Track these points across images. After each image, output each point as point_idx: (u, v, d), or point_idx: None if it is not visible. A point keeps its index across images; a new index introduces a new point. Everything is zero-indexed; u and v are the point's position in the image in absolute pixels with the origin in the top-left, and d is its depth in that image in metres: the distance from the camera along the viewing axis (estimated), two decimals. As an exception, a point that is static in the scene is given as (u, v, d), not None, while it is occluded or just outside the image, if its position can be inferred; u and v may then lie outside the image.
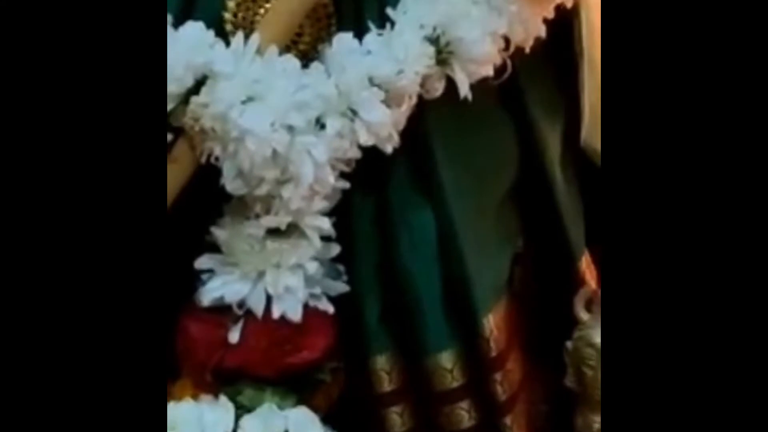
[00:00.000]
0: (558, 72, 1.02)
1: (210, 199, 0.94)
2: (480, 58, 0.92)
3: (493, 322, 0.99)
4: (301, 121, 0.90)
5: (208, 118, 0.89)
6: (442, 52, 0.92)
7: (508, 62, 0.94)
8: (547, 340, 1.04)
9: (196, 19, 0.93)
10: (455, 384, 0.99)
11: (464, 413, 1.00)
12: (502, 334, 1.00)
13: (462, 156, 0.97)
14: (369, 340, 0.99)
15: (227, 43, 0.92)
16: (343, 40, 0.93)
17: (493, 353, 0.99)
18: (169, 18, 0.93)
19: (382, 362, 0.99)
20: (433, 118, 0.95)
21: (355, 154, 0.92)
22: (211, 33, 0.91)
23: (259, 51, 0.91)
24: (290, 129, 0.89)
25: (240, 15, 0.94)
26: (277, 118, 0.89)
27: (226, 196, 0.93)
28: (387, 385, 1.00)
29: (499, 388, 0.99)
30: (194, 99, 0.89)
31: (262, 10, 0.94)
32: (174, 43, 0.90)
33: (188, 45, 0.89)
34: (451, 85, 0.94)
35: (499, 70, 0.94)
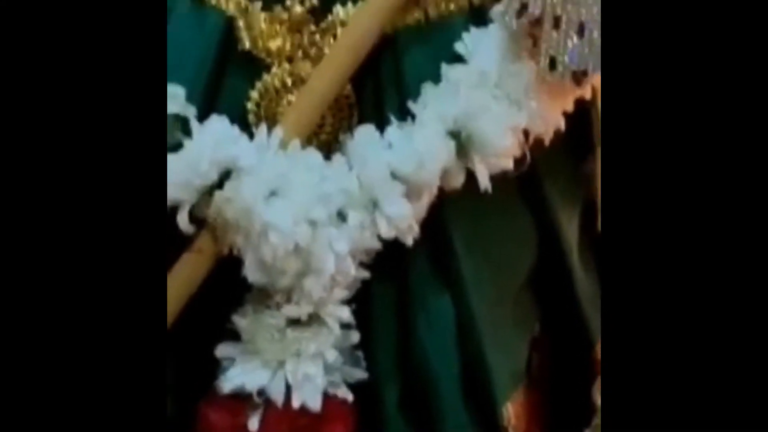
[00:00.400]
0: (574, 159, 1.04)
1: (231, 288, 0.96)
2: (500, 151, 0.93)
3: (512, 411, 0.99)
4: (324, 215, 0.90)
5: (232, 212, 0.90)
6: (463, 146, 0.93)
7: (528, 154, 0.96)
8: (564, 426, 1.04)
9: (219, 109, 0.95)
10: (474, 473, 1.01)
11: (483, 501, 1.01)
12: (521, 422, 1.00)
13: (481, 245, 0.98)
14: (388, 426, 0.99)
15: (250, 135, 0.94)
16: (365, 132, 0.93)
17: (512, 441, 1.00)
18: (193, 110, 0.94)
19: None
20: (452, 208, 0.95)
21: (376, 245, 0.93)
22: (235, 128, 0.92)
23: (282, 144, 0.92)
24: (312, 223, 0.90)
25: (263, 106, 0.95)
26: (299, 213, 0.90)
27: (247, 285, 0.95)
28: (406, 472, 1.01)
29: (517, 477, 1.01)
30: (218, 193, 0.90)
31: (284, 101, 0.95)
32: (199, 137, 0.91)
33: (213, 140, 0.90)
34: (470, 175, 0.95)
35: (519, 161, 0.96)
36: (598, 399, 1.02)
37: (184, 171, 0.90)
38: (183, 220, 0.91)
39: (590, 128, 1.01)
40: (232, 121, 0.94)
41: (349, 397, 0.96)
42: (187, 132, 0.92)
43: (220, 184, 0.90)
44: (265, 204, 0.89)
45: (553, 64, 0.89)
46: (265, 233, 0.89)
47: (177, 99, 0.92)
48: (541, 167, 0.98)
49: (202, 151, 0.89)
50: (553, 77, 0.90)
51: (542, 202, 1.00)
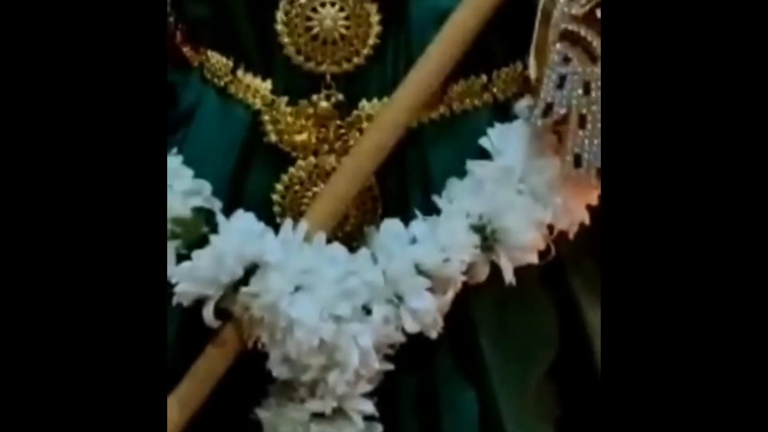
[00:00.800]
0: (598, 248, 1.04)
1: (255, 380, 0.96)
2: (524, 246, 0.93)
3: (536, 503, 1.00)
4: (348, 310, 0.90)
5: (257, 307, 0.90)
6: (488, 240, 0.93)
7: (552, 247, 0.96)
8: None
9: (245, 201, 0.95)
10: None
11: None
12: None
13: (505, 339, 0.97)
14: None
15: (276, 227, 0.94)
16: (390, 226, 0.94)
17: None
18: (219, 203, 0.95)
19: None
20: (476, 300, 0.95)
21: (400, 338, 0.93)
22: (261, 223, 0.92)
23: (307, 238, 0.92)
24: (337, 318, 0.90)
25: (288, 198, 0.96)
26: (324, 308, 0.90)
27: (270, 378, 0.95)
28: None
29: None
30: (244, 289, 0.90)
31: (309, 193, 0.96)
32: (225, 233, 0.91)
33: (239, 236, 0.90)
34: (494, 266, 0.96)
35: (543, 253, 0.96)
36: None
37: (211, 267, 0.90)
38: (208, 315, 0.91)
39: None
40: (258, 212, 0.95)
41: (373, 492, 0.97)
42: (213, 226, 0.93)
43: (245, 280, 0.90)
44: (290, 299, 0.89)
45: (578, 161, 0.90)
46: (291, 329, 0.89)
47: (203, 193, 0.93)
48: (565, 257, 0.98)
49: (229, 248, 0.90)
50: (578, 174, 0.91)
51: (566, 290, 1.01)
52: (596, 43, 0.87)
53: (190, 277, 0.90)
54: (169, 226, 0.91)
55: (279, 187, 0.96)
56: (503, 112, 0.96)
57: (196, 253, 0.90)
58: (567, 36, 0.87)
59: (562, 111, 0.89)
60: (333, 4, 0.93)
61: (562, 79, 0.88)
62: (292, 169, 0.96)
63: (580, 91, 0.88)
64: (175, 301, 0.90)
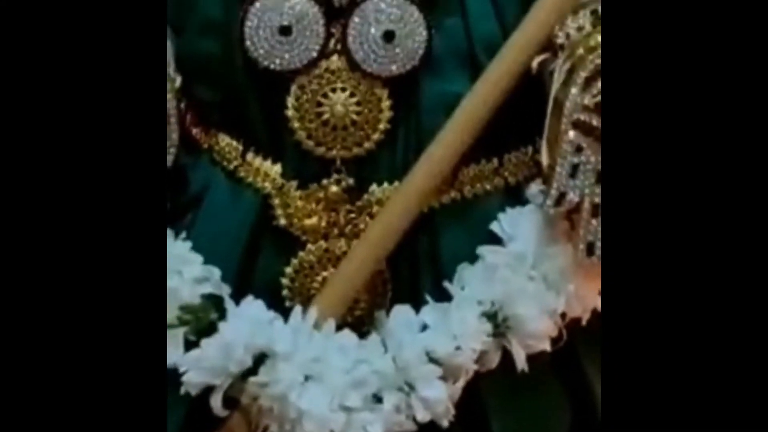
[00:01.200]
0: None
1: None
2: (537, 334, 0.92)
3: None
4: (358, 400, 0.89)
5: (266, 397, 0.89)
6: (500, 327, 0.92)
7: (564, 333, 0.95)
8: None
9: (254, 285, 0.95)
10: None
11: None
12: None
13: (517, 424, 0.96)
14: None
15: (285, 312, 0.93)
16: (401, 313, 0.93)
17: None
18: (228, 289, 0.94)
19: None
20: (488, 387, 0.94)
21: (411, 427, 0.91)
22: (270, 312, 0.91)
23: (317, 325, 0.91)
24: (347, 409, 0.89)
25: (298, 282, 0.95)
26: (334, 398, 0.89)
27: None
28: None
29: None
30: (253, 379, 0.89)
31: (319, 278, 0.95)
32: (234, 322, 0.90)
33: (248, 325, 0.89)
34: (506, 353, 0.94)
35: (555, 339, 0.95)
36: None
37: (219, 356, 0.89)
38: (216, 404, 0.90)
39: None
40: (267, 297, 0.94)
41: None
42: (222, 313, 0.92)
43: (254, 369, 0.89)
44: (300, 390, 0.88)
45: (590, 249, 0.89)
46: (300, 420, 0.88)
47: (212, 279, 0.93)
48: (577, 341, 0.97)
49: (238, 337, 0.89)
50: (590, 262, 0.90)
51: (578, 372, 0.99)
52: (609, 132, 0.87)
53: (199, 365, 0.89)
54: (177, 313, 0.90)
55: (288, 271, 0.96)
56: (514, 196, 0.96)
57: (205, 342, 0.89)
58: (579, 125, 0.86)
59: (575, 200, 0.88)
60: (344, 90, 0.93)
61: (575, 168, 0.87)
62: (301, 254, 0.95)
63: (592, 180, 0.87)
64: (183, 390, 0.89)
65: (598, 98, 0.86)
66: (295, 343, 0.90)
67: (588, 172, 0.87)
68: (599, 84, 0.86)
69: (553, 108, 0.88)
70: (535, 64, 0.90)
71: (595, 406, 1.00)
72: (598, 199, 0.88)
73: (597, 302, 0.94)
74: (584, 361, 0.99)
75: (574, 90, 0.86)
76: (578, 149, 0.87)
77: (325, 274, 0.95)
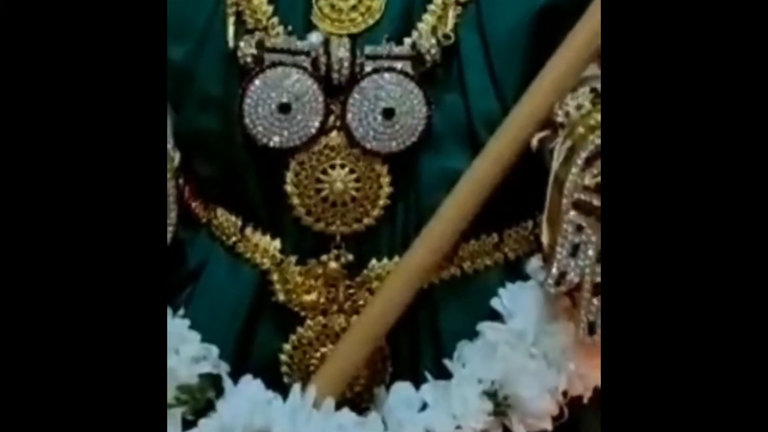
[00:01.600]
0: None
1: None
2: (538, 412, 0.91)
3: None
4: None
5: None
6: (500, 406, 0.91)
7: (566, 411, 0.94)
8: None
9: (252, 361, 0.94)
10: None
11: None
12: None
13: None
14: None
15: (283, 388, 0.92)
16: (400, 391, 0.92)
17: None
18: (226, 366, 0.93)
19: None
20: (489, 466, 0.95)
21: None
22: (269, 392, 0.91)
23: (316, 404, 0.91)
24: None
25: (296, 358, 0.95)
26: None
27: None
28: None
29: None
30: (251, 464, 0.89)
31: (318, 354, 0.95)
32: (232, 401, 0.90)
33: (246, 404, 0.89)
34: (506, 428, 0.94)
35: (557, 417, 0.94)
36: None
37: (216, 436, 0.89)
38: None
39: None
40: (265, 373, 0.94)
41: None
42: (219, 391, 0.91)
43: (253, 451, 0.89)
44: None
45: (592, 328, 0.89)
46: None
47: (210, 358, 0.92)
48: (579, 420, 0.96)
49: (235, 417, 0.88)
50: (592, 341, 0.89)
51: None
52: (609, 211, 0.87)
53: (196, 447, 0.89)
54: (175, 393, 0.89)
55: (287, 347, 0.95)
56: (515, 271, 0.96)
57: (203, 422, 0.89)
58: (580, 205, 0.86)
59: (576, 280, 0.88)
60: (343, 166, 0.92)
61: (575, 247, 0.87)
62: (300, 330, 0.95)
63: (593, 260, 0.87)
64: (179, 471, 0.89)
65: (599, 178, 0.86)
66: (293, 423, 0.89)
67: (589, 251, 0.87)
68: (599, 164, 0.86)
69: (553, 186, 0.88)
70: (534, 141, 0.90)
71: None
72: (598, 279, 0.88)
73: (598, 381, 0.94)
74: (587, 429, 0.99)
75: (574, 170, 0.85)
76: (579, 229, 0.87)
77: (324, 350, 0.95)
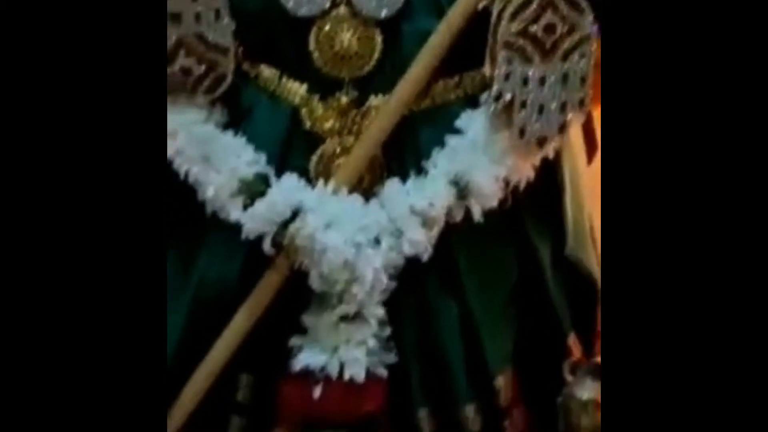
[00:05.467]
0: (546, 200, 1.40)
1: (300, 295, 1.33)
2: (488, 194, 1.30)
3: (502, 382, 1.36)
4: (364, 240, 1.28)
5: (301, 238, 1.28)
6: (462, 191, 1.30)
7: (509, 197, 1.33)
8: (543, 396, 1.39)
9: (289, 170, 1.33)
10: (476, 428, 1.36)
11: (484, 450, 1.36)
12: (509, 390, 1.37)
13: (478, 263, 1.35)
14: (413, 396, 1.35)
15: (312, 186, 1.32)
16: (393, 184, 1.31)
17: (503, 404, 1.36)
18: (271, 169, 1.31)
19: (422, 412, 1.36)
20: (456, 236, 1.32)
21: (401, 262, 1.30)
22: (303, 181, 1.30)
23: (334, 192, 1.30)
24: (357, 245, 1.28)
25: (320, 167, 1.33)
26: (347, 238, 1.28)
27: (311, 293, 1.32)
28: (427, 430, 1.36)
29: (509, 431, 1.36)
30: (291, 225, 1.28)
31: (335, 164, 1.32)
32: (276, 187, 1.29)
33: (287, 189, 1.29)
34: (468, 212, 1.32)
35: (503, 201, 1.33)
36: (566, 375, 1.37)
37: (266, 211, 1.28)
38: (267, 246, 1.29)
39: (557, 177, 1.39)
40: (299, 177, 1.32)
41: (384, 374, 1.33)
42: (268, 183, 1.30)
43: (292, 219, 1.28)
44: (323, 232, 1.27)
45: (522, 133, 1.28)
46: (324, 252, 1.27)
47: (260, 162, 1.31)
48: (521, 207, 1.36)
49: (279, 197, 1.28)
50: (522, 142, 1.28)
51: (523, 233, 1.38)
52: (530, 48, 1.26)
53: (253, 219, 1.28)
54: (238, 184, 1.29)
55: (313, 159, 1.33)
56: (472, 102, 1.33)
57: (258, 202, 1.28)
58: (509, 45, 1.25)
59: (508, 97, 1.27)
60: (348, 29, 1.31)
61: (507, 75, 1.26)
62: (322, 147, 1.33)
63: (520, 83, 1.26)
64: (243, 236, 1.29)
65: (521, 26, 1.25)
66: (319, 202, 1.29)
67: (516, 77, 1.26)
68: (524, 15, 1.25)
69: (492, 33, 1.26)
70: (480, 6, 1.29)
71: (535, 254, 1.39)
72: (525, 97, 1.27)
73: (531, 173, 1.33)
74: (526, 220, 1.37)
75: (503, 22, 1.25)
76: (509, 61, 1.26)
77: (339, 161, 1.32)
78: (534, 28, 1.26)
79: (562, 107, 1.29)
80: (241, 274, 1.31)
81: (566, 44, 1.27)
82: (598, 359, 1.37)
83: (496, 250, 1.37)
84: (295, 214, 1.28)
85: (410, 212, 1.29)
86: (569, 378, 1.38)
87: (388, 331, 1.32)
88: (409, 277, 1.32)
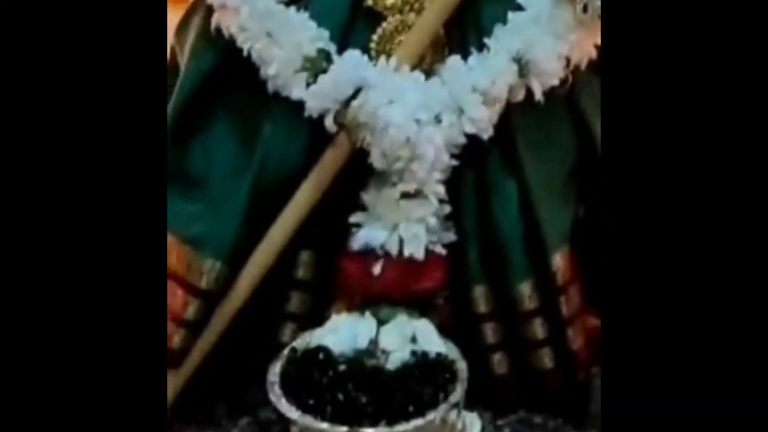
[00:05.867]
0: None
1: (361, 173, 1.34)
2: (549, 72, 1.30)
3: (560, 260, 1.37)
4: (426, 117, 1.29)
5: (362, 115, 1.28)
6: (523, 69, 1.30)
7: (569, 76, 1.33)
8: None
9: (351, 46, 1.33)
10: (532, 306, 1.38)
11: (539, 327, 1.38)
12: (567, 269, 1.38)
13: (537, 142, 1.36)
14: (470, 274, 1.38)
15: (375, 64, 1.32)
16: (454, 60, 1.32)
17: (560, 283, 1.37)
18: (333, 46, 1.32)
19: (479, 290, 1.38)
20: (516, 114, 1.33)
21: (462, 140, 1.31)
22: (365, 57, 1.30)
23: (396, 69, 1.30)
24: (418, 122, 1.29)
25: (381, 45, 1.33)
26: (409, 115, 1.28)
27: (371, 170, 1.33)
28: (483, 307, 1.38)
29: (564, 309, 1.38)
30: (353, 102, 1.28)
31: (396, 41, 1.33)
32: (339, 64, 1.30)
33: (349, 65, 1.29)
34: (529, 91, 1.33)
35: (563, 81, 1.33)
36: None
37: (329, 88, 1.29)
38: (329, 123, 1.30)
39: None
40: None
41: (443, 252, 1.35)
42: (330, 60, 1.31)
43: (354, 96, 1.28)
44: (385, 109, 1.28)
45: (585, 8, 1.27)
46: (386, 129, 1.28)
47: (323, 38, 1.31)
48: (579, 86, 1.35)
49: (342, 73, 1.28)
50: (585, 18, 1.27)
51: (580, 112, 1.38)
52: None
53: (316, 96, 1.29)
54: (301, 62, 1.29)
55: (374, 37, 1.33)
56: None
57: (321, 78, 1.29)
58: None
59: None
60: None
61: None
62: (384, 24, 1.33)
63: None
64: (306, 113, 1.29)
65: None
66: (382, 78, 1.29)
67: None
68: None
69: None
70: None
71: (592, 134, 1.39)
72: (587, -23, 1.26)
73: (592, 52, 1.33)
74: (583, 99, 1.37)
75: None
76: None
77: (400, 38, 1.33)
78: None
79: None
80: (304, 151, 1.33)
81: None
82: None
83: (555, 129, 1.37)
84: (357, 91, 1.29)
85: (472, 90, 1.29)
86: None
87: (447, 209, 1.34)
88: (470, 157, 1.32)
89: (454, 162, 1.32)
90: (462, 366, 1.31)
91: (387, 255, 1.33)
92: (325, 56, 1.31)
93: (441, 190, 1.33)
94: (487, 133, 1.31)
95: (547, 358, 1.39)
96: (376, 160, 1.30)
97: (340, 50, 1.32)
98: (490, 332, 1.39)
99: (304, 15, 1.32)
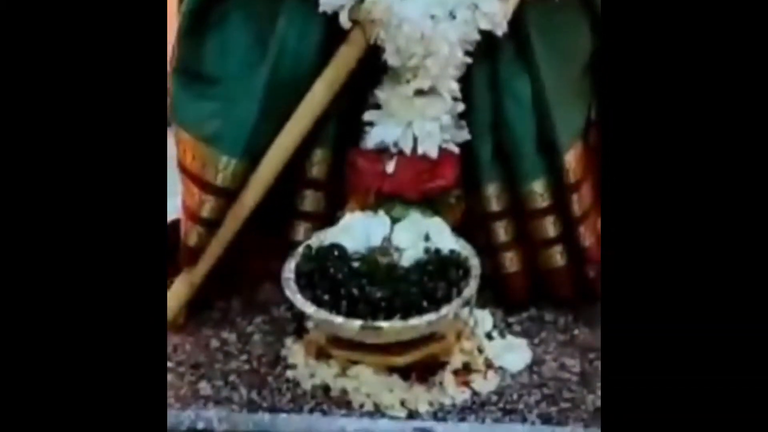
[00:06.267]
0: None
1: (374, 70, 1.34)
2: None
3: (572, 158, 1.38)
4: (440, 13, 1.29)
5: (377, 11, 1.28)
6: (539, -37, 1.30)
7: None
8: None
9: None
10: (545, 204, 1.39)
11: (551, 225, 1.40)
12: (579, 167, 1.39)
13: (551, 39, 1.35)
14: (483, 172, 1.38)
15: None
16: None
17: (572, 181, 1.38)
18: None
19: (492, 189, 1.39)
20: (531, 12, 1.33)
21: (476, 37, 1.31)
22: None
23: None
24: (433, 17, 1.28)
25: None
26: (424, 11, 1.28)
27: (385, 68, 1.33)
28: (495, 206, 1.40)
29: (576, 207, 1.39)
30: (368, -1, 1.29)
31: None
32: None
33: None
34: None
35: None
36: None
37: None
38: (344, 19, 1.29)
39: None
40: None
41: (456, 150, 1.36)
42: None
43: (369, -9, 1.29)
44: (400, 5, 1.28)
45: None
46: (400, 25, 1.28)
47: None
48: None
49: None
50: None
51: (595, 8, 1.37)
52: None
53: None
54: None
55: None
56: None
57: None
58: None
59: None
60: None
61: None
62: None
63: None
64: (320, 9, 1.29)
65: None
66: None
67: None
68: None
69: None
70: None
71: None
72: None
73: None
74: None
75: None
76: None
77: None
78: None
79: None
80: (318, 48, 1.33)
81: None
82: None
83: (570, 25, 1.37)
84: (370, -10, 1.29)
85: (483, -7, 1.30)
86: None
87: (461, 107, 1.35)
88: (483, 52, 1.32)
89: (468, 59, 1.32)
90: (475, 262, 1.33)
91: (400, 153, 1.34)
92: None
93: (455, 87, 1.33)
94: (501, 29, 1.31)
95: (558, 256, 1.41)
96: (390, 57, 1.30)
97: None
98: (501, 231, 1.40)
99: None
